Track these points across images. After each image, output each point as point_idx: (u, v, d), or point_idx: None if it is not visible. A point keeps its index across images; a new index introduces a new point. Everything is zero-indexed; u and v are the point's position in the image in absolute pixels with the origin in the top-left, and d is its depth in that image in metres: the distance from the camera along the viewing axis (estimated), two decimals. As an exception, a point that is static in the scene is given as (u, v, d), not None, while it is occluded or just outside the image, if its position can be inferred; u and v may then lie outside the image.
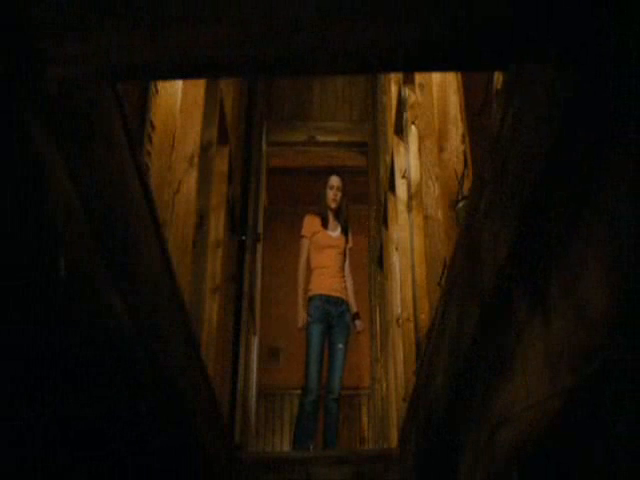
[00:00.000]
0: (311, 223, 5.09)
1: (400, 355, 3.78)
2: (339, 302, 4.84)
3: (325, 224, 5.05)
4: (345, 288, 4.96)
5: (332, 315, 4.78)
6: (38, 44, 0.84)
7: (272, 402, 6.85)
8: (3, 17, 0.81)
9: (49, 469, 1.02)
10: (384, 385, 4.86)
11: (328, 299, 4.81)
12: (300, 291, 4.90)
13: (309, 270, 5.00)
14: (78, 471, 1.12)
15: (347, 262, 5.10)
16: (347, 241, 5.11)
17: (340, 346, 4.75)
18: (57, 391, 1.02)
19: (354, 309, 5.01)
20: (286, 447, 6.41)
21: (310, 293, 4.86)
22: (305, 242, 5.05)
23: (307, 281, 4.95)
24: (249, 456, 3.66)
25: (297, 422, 4.62)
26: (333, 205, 5.07)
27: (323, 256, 4.97)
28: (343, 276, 4.99)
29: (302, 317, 4.81)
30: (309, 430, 4.51)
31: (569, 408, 0.93)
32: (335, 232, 5.07)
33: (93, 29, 0.84)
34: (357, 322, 4.99)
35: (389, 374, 4.49)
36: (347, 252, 5.10)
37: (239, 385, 4.06)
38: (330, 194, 5.06)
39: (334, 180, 5.08)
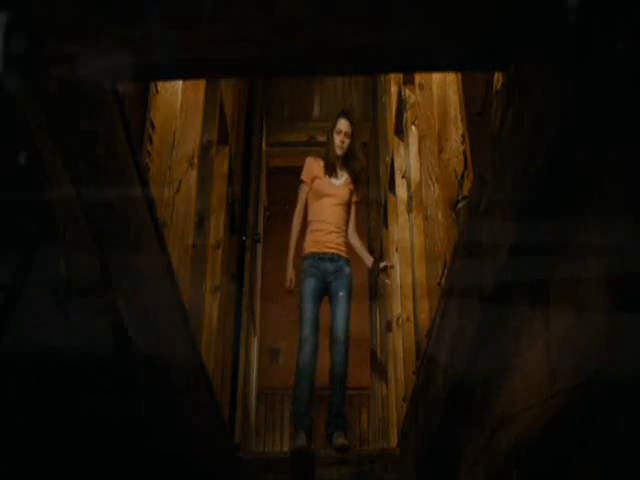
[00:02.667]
0: (312, 166, 4.27)
1: (400, 355, 3.78)
2: (335, 258, 4.07)
3: (329, 171, 4.24)
4: (344, 244, 4.16)
5: (328, 271, 4.05)
6: (38, 44, 0.84)
7: (272, 402, 6.85)
8: (3, 17, 0.81)
9: (47, 468, 1.02)
10: (384, 385, 4.86)
11: (323, 257, 4.06)
12: (292, 244, 4.17)
13: (305, 223, 4.24)
14: (77, 470, 1.12)
15: (352, 219, 4.27)
16: (353, 194, 4.28)
17: (341, 294, 4.01)
18: (56, 391, 1.02)
19: (369, 260, 4.28)
20: (286, 447, 6.41)
21: (304, 252, 4.13)
22: (304, 188, 4.24)
23: (301, 235, 4.22)
24: (249, 456, 3.65)
25: (293, 393, 3.87)
26: (339, 152, 4.22)
27: (321, 207, 4.18)
28: (345, 233, 4.20)
29: (290, 276, 4.16)
30: (306, 400, 3.75)
31: (569, 408, 0.93)
32: (339, 180, 4.26)
33: (93, 29, 0.84)
34: (382, 264, 4.27)
35: (389, 374, 4.49)
36: (352, 207, 4.28)
37: (239, 385, 4.06)
38: (337, 139, 4.22)
39: (342, 124, 4.23)
